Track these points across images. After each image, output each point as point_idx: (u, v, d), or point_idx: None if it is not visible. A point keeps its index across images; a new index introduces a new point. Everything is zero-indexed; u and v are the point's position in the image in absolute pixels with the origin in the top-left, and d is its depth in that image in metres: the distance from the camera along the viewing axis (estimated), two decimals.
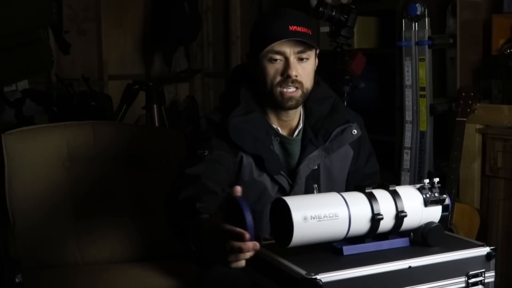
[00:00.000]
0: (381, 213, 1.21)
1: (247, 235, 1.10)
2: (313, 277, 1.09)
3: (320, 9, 2.69)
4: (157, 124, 3.55)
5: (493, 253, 1.25)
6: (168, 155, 2.34)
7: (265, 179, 1.65)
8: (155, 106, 3.62)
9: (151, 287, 2.04)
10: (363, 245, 1.24)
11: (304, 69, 1.64)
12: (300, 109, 1.74)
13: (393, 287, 1.16)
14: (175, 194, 1.47)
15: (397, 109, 2.92)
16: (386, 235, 1.26)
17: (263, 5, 4.12)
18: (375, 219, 1.21)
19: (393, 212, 1.24)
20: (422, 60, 2.74)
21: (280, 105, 1.66)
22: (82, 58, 4.43)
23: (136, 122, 4.03)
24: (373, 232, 1.23)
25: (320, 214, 1.16)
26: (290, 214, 1.14)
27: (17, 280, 1.90)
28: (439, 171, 2.71)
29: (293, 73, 1.61)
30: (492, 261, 1.25)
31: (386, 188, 1.26)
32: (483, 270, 1.24)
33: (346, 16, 2.70)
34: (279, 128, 1.72)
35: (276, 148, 1.70)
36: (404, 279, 1.17)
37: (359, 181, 1.75)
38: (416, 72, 2.77)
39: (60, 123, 2.38)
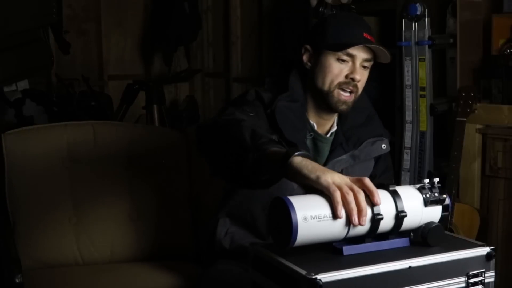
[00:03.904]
0: (381, 213, 1.21)
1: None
2: (313, 277, 1.09)
3: (320, 9, 2.70)
4: (157, 124, 3.55)
5: (493, 253, 1.25)
6: (168, 155, 2.34)
7: None
8: (155, 106, 3.63)
9: (152, 287, 2.03)
10: (363, 245, 1.24)
11: (363, 77, 1.69)
12: (335, 114, 1.78)
13: (393, 287, 1.16)
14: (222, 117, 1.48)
15: (397, 109, 2.92)
16: (386, 235, 1.26)
17: (263, 5, 4.12)
18: (375, 219, 1.21)
19: (393, 212, 1.24)
20: (422, 60, 2.74)
21: (333, 107, 1.69)
22: (82, 58, 4.43)
23: (136, 122, 4.03)
24: (373, 232, 1.23)
25: (320, 214, 1.16)
26: (289, 214, 1.14)
27: (17, 280, 1.90)
28: (439, 171, 2.71)
29: (358, 77, 1.65)
30: (492, 261, 1.25)
31: (386, 188, 1.26)
32: (483, 270, 1.24)
33: None
34: (315, 125, 1.74)
35: (308, 143, 1.72)
36: (404, 279, 1.17)
37: None
38: (416, 72, 2.77)
39: (60, 123, 2.38)
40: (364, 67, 1.69)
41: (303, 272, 1.10)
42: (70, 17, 4.34)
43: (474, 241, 1.32)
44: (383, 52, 1.68)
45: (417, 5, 2.70)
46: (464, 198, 2.68)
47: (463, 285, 1.23)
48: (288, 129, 1.63)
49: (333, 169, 1.68)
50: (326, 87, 1.68)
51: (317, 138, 1.75)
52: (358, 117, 1.79)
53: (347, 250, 1.22)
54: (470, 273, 1.23)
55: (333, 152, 1.73)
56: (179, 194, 2.33)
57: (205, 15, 4.64)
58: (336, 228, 1.18)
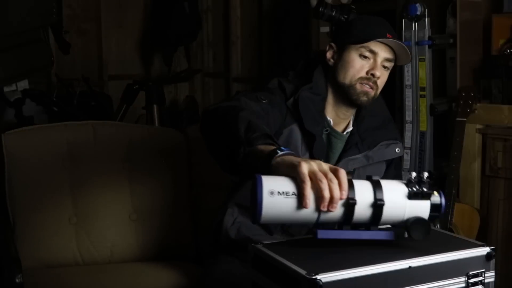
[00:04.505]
0: (356, 198, 1.17)
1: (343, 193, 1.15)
2: (313, 277, 1.08)
3: (320, 9, 2.69)
4: (157, 124, 3.55)
5: (493, 253, 1.25)
6: (168, 155, 2.34)
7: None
8: (155, 106, 3.63)
9: (152, 287, 2.03)
10: (339, 231, 1.21)
11: (383, 76, 1.74)
12: (352, 114, 1.81)
13: (393, 287, 1.16)
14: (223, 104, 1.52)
15: (397, 109, 2.92)
16: (368, 227, 1.23)
17: (263, 5, 4.12)
18: (348, 203, 1.17)
19: (369, 199, 1.20)
20: (422, 60, 2.74)
21: (354, 98, 1.72)
22: (82, 58, 4.43)
23: (136, 122, 4.03)
24: (349, 219, 1.19)
25: (288, 191, 1.14)
26: (256, 187, 1.13)
27: (17, 280, 1.90)
28: (439, 171, 2.71)
29: (378, 73, 1.70)
30: (492, 261, 1.25)
31: (369, 179, 1.24)
32: (483, 270, 1.24)
33: (346, 16, 2.70)
34: (331, 121, 1.78)
35: (323, 137, 1.75)
36: (404, 279, 1.17)
37: None
38: (416, 72, 2.77)
39: (60, 123, 2.38)
40: (385, 67, 1.73)
41: (303, 272, 1.10)
42: (70, 17, 4.34)
43: (474, 241, 1.31)
44: (404, 52, 1.71)
45: (417, 5, 2.70)
46: (464, 198, 2.68)
47: (463, 285, 1.23)
48: (308, 119, 1.68)
49: (346, 167, 1.72)
50: (347, 81, 1.72)
51: (332, 134, 1.78)
52: (375, 120, 1.82)
53: (322, 234, 1.20)
54: (470, 273, 1.23)
55: (348, 151, 1.76)
56: (179, 194, 2.33)
57: (205, 15, 4.64)
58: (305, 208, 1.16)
